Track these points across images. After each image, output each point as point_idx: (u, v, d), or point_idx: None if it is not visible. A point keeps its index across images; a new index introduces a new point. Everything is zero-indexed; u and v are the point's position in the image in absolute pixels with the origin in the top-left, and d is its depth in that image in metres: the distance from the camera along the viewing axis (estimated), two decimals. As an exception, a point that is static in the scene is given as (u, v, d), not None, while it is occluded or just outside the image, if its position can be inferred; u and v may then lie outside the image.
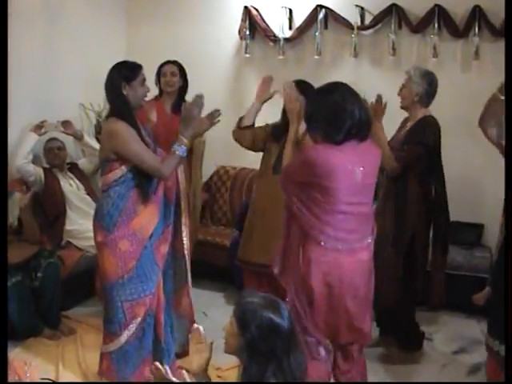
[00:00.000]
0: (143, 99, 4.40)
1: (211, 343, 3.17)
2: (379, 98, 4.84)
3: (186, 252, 4.86)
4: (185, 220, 4.85)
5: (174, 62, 5.73)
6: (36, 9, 6.42)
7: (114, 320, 4.41)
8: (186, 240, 4.84)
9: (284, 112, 4.94)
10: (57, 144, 6.28)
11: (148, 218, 4.36)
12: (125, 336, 4.40)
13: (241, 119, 5.24)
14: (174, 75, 5.68)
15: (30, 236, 5.53)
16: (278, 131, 5.10)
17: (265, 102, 5.19)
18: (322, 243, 3.71)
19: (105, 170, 4.35)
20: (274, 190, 4.89)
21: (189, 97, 5.77)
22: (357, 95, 3.78)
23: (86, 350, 5.16)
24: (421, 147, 4.80)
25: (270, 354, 2.83)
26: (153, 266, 4.41)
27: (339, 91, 3.74)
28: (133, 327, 4.39)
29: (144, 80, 4.35)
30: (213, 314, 5.64)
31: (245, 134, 5.20)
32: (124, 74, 4.29)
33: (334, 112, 3.67)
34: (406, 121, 5.09)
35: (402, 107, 5.01)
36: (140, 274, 4.35)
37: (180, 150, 4.25)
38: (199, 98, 4.40)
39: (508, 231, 3.70)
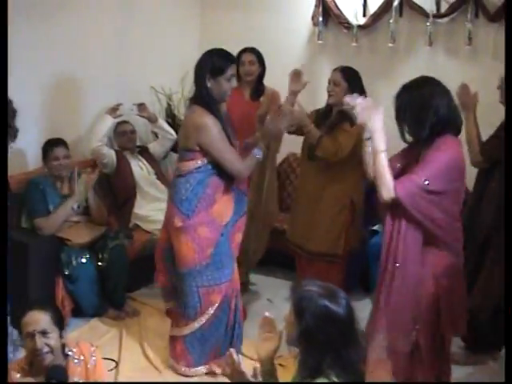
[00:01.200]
0: (228, 94, 4.35)
1: (280, 332, 3.14)
2: (465, 88, 4.72)
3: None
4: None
5: (252, 50, 5.72)
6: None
7: (190, 305, 4.48)
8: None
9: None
10: (129, 127, 6.33)
11: (226, 205, 4.41)
12: (200, 321, 4.48)
13: None
14: (253, 64, 5.69)
15: (97, 217, 5.59)
16: (321, 117, 5.18)
17: (297, 93, 5.12)
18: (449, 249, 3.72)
19: (185, 157, 4.37)
20: (307, 174, 4.99)
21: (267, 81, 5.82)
22: (447, 91, 3.69)
23: (150, 332, 5.22)
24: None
25: (326, 344, 2.78)
26: (228, 253, 4.47)
27: (427, 87, 3.67)
28: (208, 313, 4.46)
29: (232, 75, 4.29)
30: (278, 302, 5.58)
31: None
32: (212, 66, 4.26)
33: (418, 108, 3.61)
34: None
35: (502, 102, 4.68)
36: (217, 261, 4.41)
37: (259, 153, 4.37)
38: (289, 113, 4.46)
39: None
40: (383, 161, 3.57)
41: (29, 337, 3.41)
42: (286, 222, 5.74)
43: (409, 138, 3.79)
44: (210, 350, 4.60)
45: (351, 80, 5.05)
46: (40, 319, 3.41)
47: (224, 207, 4.40)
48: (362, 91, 4.87)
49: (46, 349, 3.39)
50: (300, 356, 2.89)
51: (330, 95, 5.12)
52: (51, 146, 5.49)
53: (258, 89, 5.77)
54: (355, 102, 3.76)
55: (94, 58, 6.28)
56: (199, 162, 4.30)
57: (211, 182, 4.33)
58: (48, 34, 5.81)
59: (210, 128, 4.22)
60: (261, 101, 5.69)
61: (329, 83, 5.15)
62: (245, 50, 5.72)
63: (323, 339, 2.78)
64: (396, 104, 3.73)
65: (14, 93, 4.56)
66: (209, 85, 4.24)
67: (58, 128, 5.88)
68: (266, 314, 3.23)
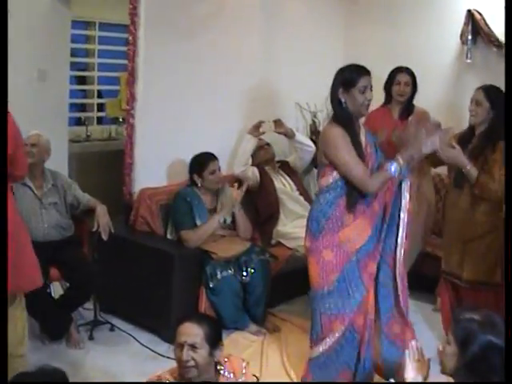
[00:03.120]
0: (365, 107, 4.25)
1: (429, 360, 3.09)
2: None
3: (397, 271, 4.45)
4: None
5: (407, 70, 5.69)
6: (255, 11, 6.58)
7: (314, 329, 4.40)
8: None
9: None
10: (263, 141, 6.37)
11: (357, 231, 4.23)
12: (320, 348, 4.36)
13: None
14: (408, 85, 5.67)
15: (243, 232, 5.64)
16: (463, 139, 4.98)
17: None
18: None
19: (319, 173, 4.34)
20: (456, 202, 4.82)
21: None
22: None
23: (290, 349, 5.18)
24: None
25: (488, 374, 2.72)
26: (357, 283, 4.28)
27: None
28: (329, 341, 4.32)
29: (366, 87, 4.18)
30: (420, 328, 5.40)
31: None
32: (343, 79, 4.20)
33: None
34: None
35: None
36: (342, 288, 4.25)
37: (392, 168, 4.09)
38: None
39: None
40: None
41: (179, 347, 3.42)
42: (431, 246, 5.64)
43: None
44: (331, 378, 4.41)
45: (494, 99, 4.85)
46: (193, 333, 3.41)
47: (355, 232, 4.22)
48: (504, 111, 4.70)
49: (191, 362, 3.38)
50: None
51: (471, 115, 4.96)
52: (208, 159, 5.60)
53: (408, 108, 5.72)
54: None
55: (240, 74, 6.39)
56: (330, 178, 4.22)
57: (340, 203, 4.21)
58: (195, 50, 5.96)
59: (335, 138, 4.14)
60: (408, 120, 5.63)
61: (471, 102, 4.99)
62: (401, 70, 5.69)
63: (486, 369, 2.72)
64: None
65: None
66: (342, 99, 4.18)
67: (202, 143, 5.97)
68: (413, 341, 3.17)
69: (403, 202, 4.30)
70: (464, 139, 5.00)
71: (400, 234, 4.32)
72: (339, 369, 4.40)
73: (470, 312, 2.90)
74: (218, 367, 3.55)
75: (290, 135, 6.43)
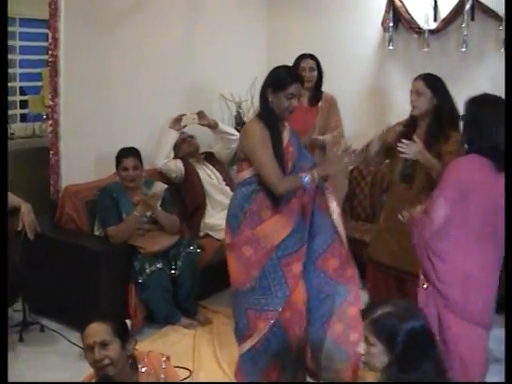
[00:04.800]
0: (287, 113, 4.23)
1: None
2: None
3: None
4: None
5: (311, 56, 5.71)
6: (179, 3, 6.55)
7: (239, 325, 4.39)
8: None
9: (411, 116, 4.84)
10: (186, 134, 6.36)
11: (274, 227, 4.20)
12: (248, 344, 4.34)
13: None
14: (313, 70, 5.69)
15: (168, 227, 5.60)
16: (406, 135, 4.78)
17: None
18: None
19: (238, 168, 4.32)
20: (403, 197, 4.80)
21: (325, 88, 5.79)
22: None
23: (222, 340, 5.18)
24: None
25: (421, 360, 2.74)
26: (280, 282, 4.23)
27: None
28: (256, 337, 4.29)
29: (293, 95, 4.18)
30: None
31: None
32: (275, 80, 4.20)
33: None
34: None
35: None
36: (264, 286, 4.22)
37: (305, 180, 4.08)
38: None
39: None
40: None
41: (89, 350, 3.32)
42: (359, 231, 5.68)
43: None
44: (262, 371, 4.39)
45: (435, 87, 4.73)
46: (99, 330, 3.32)
47: (272, 229, 4.19)
48: (448, 98, 4.70)
49: (106, 360, 3.29)
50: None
51: (414, 107, 4.77)
52: (122, 156, 5.55)
53: (316, 95, 5.77)
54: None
55: (163, 65, 6.35)
56: (247, 174, 4.21)
57: (256, 198, 4.18)
58: (117, 42, 5.90)
59: (254, 133, 4.14)
60: (319, 106, 5.68)
61: (411, 93, 4.80)
62: (304, 56, 5.72)
63: (418, 357, 2.74)
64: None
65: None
66: (270, 98, 4.18)
67: (129, 135, 5.96)
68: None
69: (331, 206, 4.34)
70: (407, 133, 4.80)
71: (341, 234, 4.39)
72: (269, 362, 4.37)
73: (381, 307, 2.88)
74: (138, 365, 3.47)
75: (213, 126, 6.40)
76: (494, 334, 5.38)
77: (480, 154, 3.71)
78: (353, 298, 4.42)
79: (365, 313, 2.95)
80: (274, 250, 4.20)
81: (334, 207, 4.36)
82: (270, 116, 4.20)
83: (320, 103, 5.83)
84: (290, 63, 5.43)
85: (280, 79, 4.18)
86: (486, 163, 3.71)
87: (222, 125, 6.50)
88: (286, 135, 4.30)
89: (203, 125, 6.36)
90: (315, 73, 5.76)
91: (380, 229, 5.10)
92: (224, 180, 6.39)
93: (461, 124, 4.29)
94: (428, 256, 3.71)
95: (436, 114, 4.67)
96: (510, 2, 4.07)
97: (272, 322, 4.25)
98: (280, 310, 4.24)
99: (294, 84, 4.18)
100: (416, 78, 4.84)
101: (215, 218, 6.09)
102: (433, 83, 4.75)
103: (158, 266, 5.35)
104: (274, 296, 4.23)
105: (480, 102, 3.81)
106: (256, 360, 4.36)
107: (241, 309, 4.32)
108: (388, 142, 4.81)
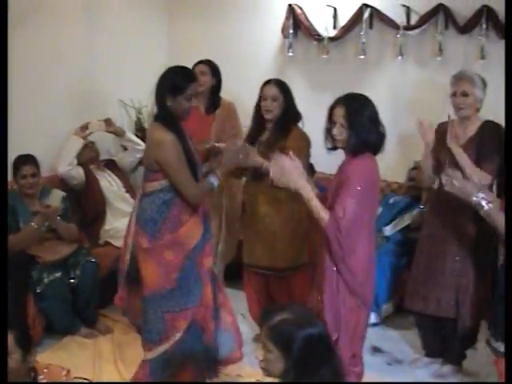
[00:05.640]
0: (187, 113, 4.22)
1: None
2: (421, 125, 4.77)
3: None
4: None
5: (205, 61, 5.67)
6: (77, 7, 6.44)
7: (154, 330, 4.31)
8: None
9: (256, 117, 5.03)
10: (87, 140, 6.24)
11: (192, 228, 4.25)
12: (161, 348, 4.30)
13: None
14: (204, 74, 5.61)
15: (66, 236, 5.50)
16: (253, 135, 5.05)
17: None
18: None
19: (149, 177, 4.25)
20: (256, 195, 4.91)
21: (225, 94, 5.77)
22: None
23: (123, 349, 5.14)
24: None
25: (318, 366, 2.76)
26: (196, 279, 4.29)
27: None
28: (173, 339, 4.28)
29: (191, 95, 4.16)
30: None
31: None
32: (171, 85, 4.12)
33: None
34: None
35: (465, 116, 4.71)
36: (182, 286, 4.24)
37: (212, 182, 4.23)
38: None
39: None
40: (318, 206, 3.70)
41: None
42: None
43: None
44: (177, 375, 4.39)
45: (287, 93, 4.98)
46: None
47: (191, 230, 4.24)
48: (293, 101, 4.99)
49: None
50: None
51: (268, 110, 4.92)
52: (19, 163, 5.43)
53: (213, 101, 5.72)
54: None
55: (63, 71, 6.24)
56: (162, 183, 4.18)
57: (177, 203, 4.18)
58: (14, 45, 5.76)
59: (169, 146, 4.08)
60: (216, 114, 5.67)
61: (266, 99, 4.94)
62: (199, 62, 5.68)
63: (316, 362, 2.75)
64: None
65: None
66: (168, 103, 4.12)
67: (28, 142, 5.80)
68: None
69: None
70: (256, 134, 5.04)
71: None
72: (185, 363, 4.38)
73: (278, 313, 2.88)
74: (38, 377, 3.40)
75: (119, 134, 6.33)
76: (390, 334, 5.56)
77: (365, 152, 3.77)
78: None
79: (262, 318, 2.95)
80: (193, 249, 4.24)
81: None
82: (173, 122, 4.16)
83: (218, 111, 5.77)
84: (190, 67, 5.39)
85: (178, 82, 4.13)
86: (374, 160, 3.82)
87: (128, 133, 6.44)
88: (190, 141, 4.30)
89: (110, 132, 6.29)
90: (207, 77, 5.66)
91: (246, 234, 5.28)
92: (124, 187, 6.31)
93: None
94: (338, 251, 3.71)
95: (282, 115, 4.93)
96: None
97: (190, 320, 4.27)
98: (198, 305, 4.29)
99: (192, 84, 4.17)
100: (268, 83, 5.03)
101: (115, 226, 6.00)
102: (284, 88, 4.99)
103: (57, 275, 5.25)
104: (192, 293, 4.27)
105: (357, 103, 3.82)
106: (169, 363, 4.34)
107: (157, 313, 4.27)
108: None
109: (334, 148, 3.89)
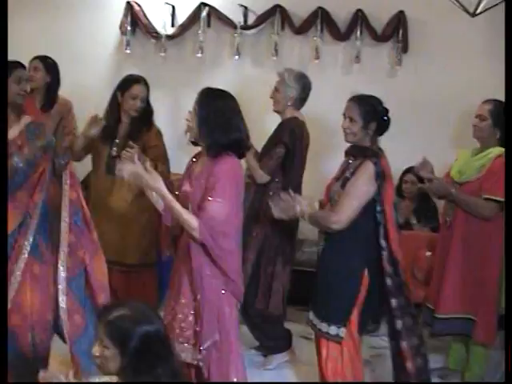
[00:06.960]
0: (20, 97, 4.09)
1: None
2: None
3: None
4: None
5: (40, 57, 5.50)
6: None
7: None
8: None
9: (109, 112, 5.00)
10: None
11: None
12: None
13: None
14: (36, 70, 5.43)
15: None
16: (108, 132, 4.97)
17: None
18: None
19: None
20: (111, 188, 4.92)
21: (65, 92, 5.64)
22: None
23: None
24: (281, 147, 4.75)
25: (155, 363, 2.72)
26: None
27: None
28: None
29: (20, 78, 4.07)
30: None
31: None
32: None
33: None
34: None
35: (275, 111, 4.93)
36: None
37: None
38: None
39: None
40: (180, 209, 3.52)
41: None
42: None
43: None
44: None
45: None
46: None
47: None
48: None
49: None
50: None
51: (136, 110, 4.98)
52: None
53: (49, 99, 5.55)
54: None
55: None
56: None
57: None
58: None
59: None
60: (51, 112, 5.51)
61: (133, 98, 4.95)
62: (34, 58, 5.52)
63: (152, 359, 2.71)
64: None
65: None
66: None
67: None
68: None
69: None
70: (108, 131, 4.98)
71: None
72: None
73: (117, 309, 2.81)
74: None
75: None
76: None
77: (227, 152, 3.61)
78: None
79: (101, 314, 2.88)
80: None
81: None
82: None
83: (53, 109, 5.57)
84: (26, 63, 5.22)
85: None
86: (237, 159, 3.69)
87: None
88: None
89: None
90: (40, 74, 5.40)
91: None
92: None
93: None
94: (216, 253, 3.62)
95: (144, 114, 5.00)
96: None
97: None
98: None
99: (15, 68, 4.10)
100: (138, 83, 5.03)
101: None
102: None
103: None
104: None
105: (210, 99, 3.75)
106: None
107: None
108: (91, 137, 4.86)
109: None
